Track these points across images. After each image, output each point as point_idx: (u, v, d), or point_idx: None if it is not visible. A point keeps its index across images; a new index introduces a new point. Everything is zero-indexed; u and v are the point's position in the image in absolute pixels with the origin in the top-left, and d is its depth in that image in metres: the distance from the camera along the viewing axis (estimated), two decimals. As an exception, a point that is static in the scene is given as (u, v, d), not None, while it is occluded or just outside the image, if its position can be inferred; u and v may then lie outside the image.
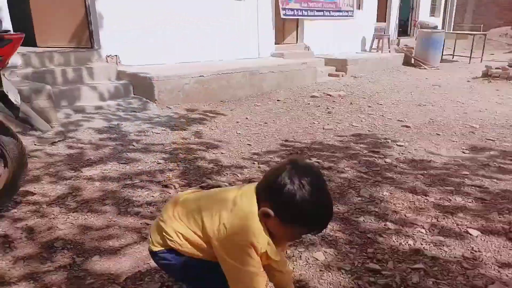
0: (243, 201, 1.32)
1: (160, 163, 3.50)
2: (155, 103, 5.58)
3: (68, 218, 2.51)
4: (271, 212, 1.27)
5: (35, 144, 3.89)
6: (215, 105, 5.98)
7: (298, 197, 1.22)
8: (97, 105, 5.30)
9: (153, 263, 2.04)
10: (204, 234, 1.34)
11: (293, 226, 1.29)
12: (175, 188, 2.97)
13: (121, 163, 3.48)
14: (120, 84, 5.79)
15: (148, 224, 2.44)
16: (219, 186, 3.00)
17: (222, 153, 3.84)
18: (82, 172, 3.26)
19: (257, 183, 1.39)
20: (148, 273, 1.98)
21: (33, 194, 2.82)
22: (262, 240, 1.27)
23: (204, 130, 4.65)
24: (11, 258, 2.08)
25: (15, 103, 2.24)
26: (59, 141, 4.03)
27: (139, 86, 5.78)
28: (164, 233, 1.40)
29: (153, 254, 1.47)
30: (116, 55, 6.35)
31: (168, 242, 1.39)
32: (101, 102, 5.44)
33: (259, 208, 1.29)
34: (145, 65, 6.39)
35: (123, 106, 5.41)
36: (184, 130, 4.62)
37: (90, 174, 3.22)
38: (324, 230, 1.41)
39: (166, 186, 3.01)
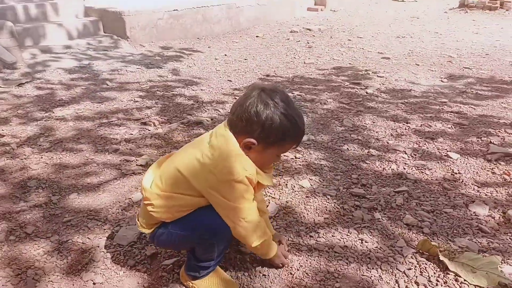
0: (220, 141, 1.28)
1: (137, 101, 3.35)
2: (127, 41, 5.25)
3: (42, 158, 2.40)
4: (254, 141, 1.25)
5: (0, 86, 3.64)
6: (192, 43, 5.69)
7: (278, 117, 1.23)
8: (65, 44, 4.94)
9: (135, 197, 2.01)
10: (192, 191, 1.30)
11: (278, 145, 1.30)
12: (155, 125, 2.87)
13: (96, 102, 3.31)
14: (88, 21, 5.38)
15: (127, 161, 2.37)
16: (200, 122, 2.91)
17: (202, 89, 3.70)
18: (53, 112, 3.09)
19: (225, 120, 1.34)
20: (130, 207, 1.94)
21: (1, 136, 2.67)
22: (252, 171, 1.27)
23: (181, 68, 4.44)
24: (-17, 200, 2.00)
25: None
26: (26, 82, 3.78)
27: (109, 23, 5.39)
28: (151, 212, 1.34)
29: (151, 238, 1.44)
30: (81, -11, 5.82)
31: (156, 216, 1.35)
32: (69, 41, 5.08)
33: (238, 142, 1.27)
34: (113, 0, 5.91)
35: (94, 44, 5.07)
36: (160, 68, 4.41)
37: (63, 114, 3.06)
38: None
39: (145, 123, 2.89)
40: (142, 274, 1.53)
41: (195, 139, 1.47)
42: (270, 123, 1.23)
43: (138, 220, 1.43)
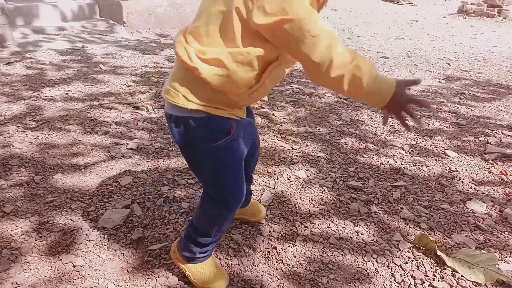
0: None
1: (130, 86, 3.26)
2: (124, 26, 5.13)
3: (26, 137, 2.30)
4: None
5: (-13, 64, 3.52)
6: (188, 32, 5.60)
7: None
8: (58, 26, 4.80)
9: (124, 180, 1.92)
10: (240, 30, 0.96)
11: None
12: (148, 110, 2.78)
13: (87, 85, 3.20)
14: (84, 3, 5.25)
15: (117, 144, 2.28)
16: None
17: (196, 78, 3.62)
18: (42, 92, 2.98)
19: None
20: (117, 190, 1.85)
21: (-14, 113, 2.57)
22: None
23: (176, 55, 4.35)
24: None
25: None
26: (15, 61, 3.65)
27: (106, 7, 5.27)
28: (208, 78, 1.00)
29: (179, 118, 1.09)
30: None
31: (215, 84, 1.01)
32: (63, 23, 4.94)
33: None
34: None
35: (88, 28, 4.95)
36: (156, 54, 4.31)
37: (52, 94, 2.95)
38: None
39: (137, 108, 2.81)
40: (127, 258, 1.46)
41: None
42: None
43: (176, 90, 1.05)
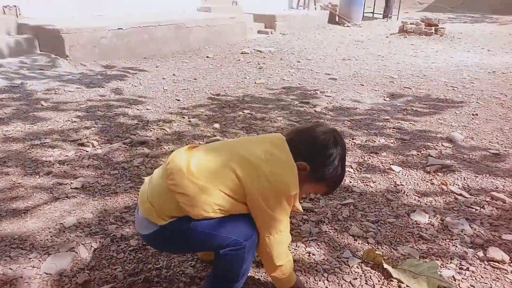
0: (281, 152, 1.25)
1: (75, 122, 3.16)
2: (67, 59, 5.01)
3: (-39, 183, 2.16)
4: (308, 167, 1.26)
5: None
6: (138, 62, 5.56)
7: (337, 160, 1.27)
8: (-5, 63, 4.61)
9: (68, 221, 1.84)
10: (238, 190, 1.20)
11: (320, 184, 1.33)
12: (93, 146, 2.70)
13: (27, 123, 3.07)
14: (22, 38, 5.09)
15: (61, 184, 2.19)
16: (145, 142, 2.78)
17: (147, 109, 3.58)
18: (-22, 134, 2.82)
19: (285, 136, 1.32)
20: (61, 233, 1.77)
21: None
22: (297, 191, 1.26)
23: (125, 87, 4.29)
24: None
25: None
26: (-51, 103, 3.45)
27: (46, 41, 5.12)
28: (182, 203, 1.17)
29: (155, 233, 1.23)
30: (15, 6, 5.51)
31: (187, 209, 1.18)
32: (0, 59, 4.75)
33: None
34: (51, 18, 5.66)
35: (28, 63, 4.78)
36: (102, 87, 4.22)
37: (-11, 136, 2.81)
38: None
39: (82, 144, 2.72)
40: (72, 305, 1.38)
41: (240, 138, 1.46)
42: (330, 162, 1.26)
43: (150, 205, 1.22)
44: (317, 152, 1.27)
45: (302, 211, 1.44)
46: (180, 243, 1.26)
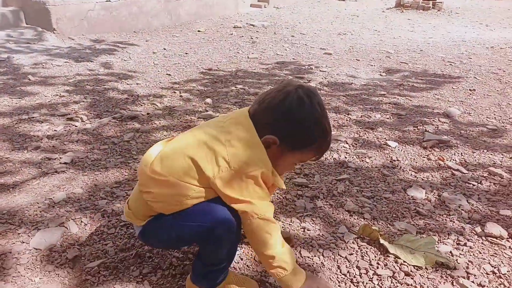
0: (239, 129, 1.12)
1: (63, 96, 3.07)
2: (54, 33, 4.84)
3: None
4: (277, 140, 1.11)
5: None
6: (127, 36, 5.40)
7: (311, 121, 1.10)
8: (-21, 36, 4.45)
9: (57, 196, 1.79)
10: (202, 178, 1.10)
11: (300, 152, 1.16)
12: (83, 121, 2.62)
13: (15, 98, 2.98)
14: (7, 11, 4.90)
15: (50, 159, 2.12)
16: (135, 116, 2.71)
17: (137, 83, 3.49)
18: (-37, 109, 2.73)
19: (247, 108, 1.18)
20: (50, 208, 1.72)
21: None
22: (269, 167, 1.12)
23: (115, 61, 4.17)
24: None
25: None
26: None
27: (33, 14, 4.94)
28: (149, 202, 1.17)
29: (141, 233, 1.24)
30: (-2, -24, 5.29)
31: (155, 207, 1.17)
32: (-15, 33, 4.58)
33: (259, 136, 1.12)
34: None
35: (14, 37, 4.62)
36: (91, 61, 4.10)
37: (-26, 110, 2.71)
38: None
39: (71, 119, 2.64)
40: (62, 279, 1.35)
41: (203, 123, 1.29)
42: (301, 126, 1.10)
43: (128, 209, 1.25)
44: (282, 121, 1.10)
45: (285, 187, 1.28)
46: (163, 240, 1.23)
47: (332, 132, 2.55)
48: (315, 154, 1.19)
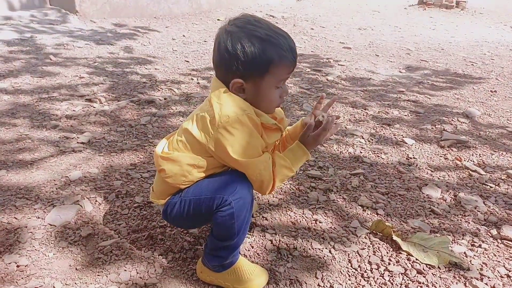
0: (215, 94, 1.16)
1: (83, 77, 3.10)
2: (77, 15, 4.89)
3: (-33, 131, 2.14)
4: (241, 80, 1.13)
5: None
6: (148, 22, 5.41)
7: (248, 41, 1.08)
8: (5, 15, 4.52)
9: (73, 175, 1.82)
10: (200, 147, 1.17)
11: (269, 74, 1.12)
12: (101, 102, 2.65)
13: (36, 77, 3.02)
14: (32, -9, 4.96)
15: (67, 138, 2.16)
16: (152, 101, 2.73)
17: (156, 68, 3.50)
18: (-14, 85, 2.78)
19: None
20: (66, 186, 1.75)
21: None
22: (249, 109, 1.13)
23: (135, 46, 4.19)
24: None
25: None
26: (-44, 52, 3.40)
27: (56, -5, 4.99)
28: (165, 178, 1.22)
29: (164, 211, 1.29)
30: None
31: (171, 182, 1.21)
32: (11, 12, 4.65)
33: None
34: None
35: (38, 17, 4.68)
36: (112, 45, 4.13)
37: (-3, 87, 2.77)
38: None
39: (90, 100, 2.67)
40: (75, 255, 1.37)
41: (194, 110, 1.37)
42: (243, 52, 1.08)
43: (152, 190, 1.33)
44: (230, 62, 1.10)
45: (285, 124, 1.30)
46: (182, 216, 1.25)
47: (349, 127, 2.54)
48: (285, 63, 1.14)
